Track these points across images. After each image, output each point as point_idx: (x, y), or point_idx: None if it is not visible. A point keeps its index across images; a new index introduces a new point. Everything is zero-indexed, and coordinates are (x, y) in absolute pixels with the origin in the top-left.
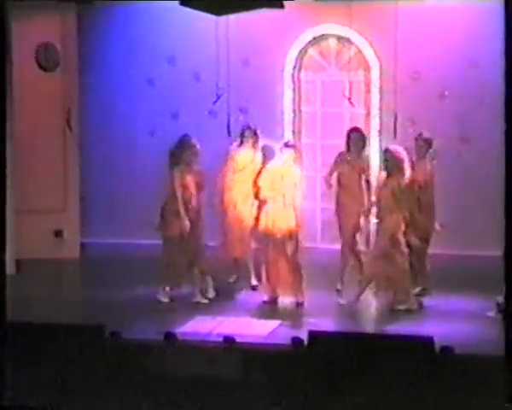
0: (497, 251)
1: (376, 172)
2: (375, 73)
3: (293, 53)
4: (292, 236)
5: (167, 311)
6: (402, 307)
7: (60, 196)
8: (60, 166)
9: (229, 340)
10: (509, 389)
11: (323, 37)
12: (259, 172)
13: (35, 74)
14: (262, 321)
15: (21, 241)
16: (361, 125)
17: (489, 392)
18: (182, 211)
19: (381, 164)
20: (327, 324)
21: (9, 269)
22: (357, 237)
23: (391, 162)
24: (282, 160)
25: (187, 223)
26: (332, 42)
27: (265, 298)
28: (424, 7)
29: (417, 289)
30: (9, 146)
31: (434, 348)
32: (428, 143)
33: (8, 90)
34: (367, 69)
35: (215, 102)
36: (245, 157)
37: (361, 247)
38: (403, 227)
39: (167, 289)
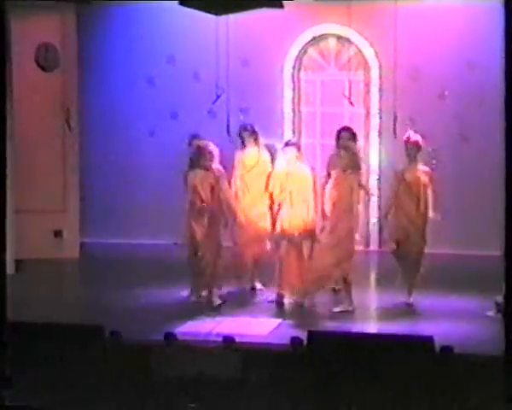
0: (497, 251)
1: (376, 172)
2: (374, 73)
3: (292, 53)
4: (308, 234)
5: (167, 311)
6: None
7: (60, 196)
8: (60, 166)
9: (228, 340)
10: (509, 389)
11: (323, 36)
12: (268, 178)
13: (35, 74)
14: (262, 321)
15: (21, 241)
16: (360, 125)
17: (489, 392)
18: (188, 214)
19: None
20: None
21: (9, 269)
22: (356, 236)
23: (350, 158)
24: (286, 159)
25: (195, 227)
26: (331, 42)
27: (272, 298)
28: (423, 6)
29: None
30: (9, 146)
31: (434, 348)
32: (417, 145)
33: (8, 90)
34: (366, 69)
35: (214, 101)
36: (251, 158)
37: (360, 247)
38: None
39: (216, 290)
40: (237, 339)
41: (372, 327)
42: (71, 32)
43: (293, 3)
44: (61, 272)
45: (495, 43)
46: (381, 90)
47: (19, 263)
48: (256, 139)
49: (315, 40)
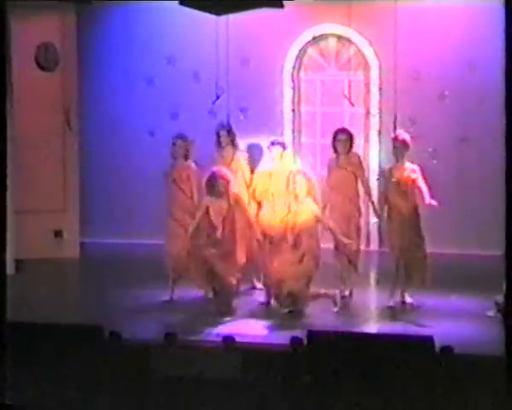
0: (497, 251)
1: (376, 171)
2: (374, 73)
3: (292, 52)
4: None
5: (167, 311)
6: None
7: (60, 196)
8: (60, 166)
9: (228, 340)
10: (509, 389)
11: (323, 36)
12: (251, 178)
13: (35, 74)
14: (262, 321)
15: (21, 241)
16: (360, 125)
17: (489, 392)
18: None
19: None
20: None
21: (9, 269)
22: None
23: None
24: (271, 159)
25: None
26: (332, 41)
27: (262, 299)
28: (424, 6)
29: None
30: (9, 146)
31: (434, 348)
32: (405, 144)
33: (9, 90)
34: (367, 69)
35: (214, 101)
36: (224, 157)
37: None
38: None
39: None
40: (237, 339)
41: (372, 327)
42: (71, 31)
43: (293, 3)
44: (61, 272)
45: (495, 43)
46: (381, 90)
47: (19, 263)
48: (232, 140)
49: (315, 40)
